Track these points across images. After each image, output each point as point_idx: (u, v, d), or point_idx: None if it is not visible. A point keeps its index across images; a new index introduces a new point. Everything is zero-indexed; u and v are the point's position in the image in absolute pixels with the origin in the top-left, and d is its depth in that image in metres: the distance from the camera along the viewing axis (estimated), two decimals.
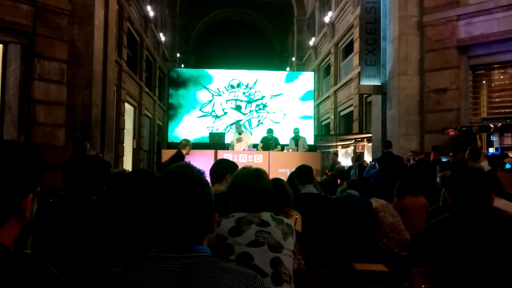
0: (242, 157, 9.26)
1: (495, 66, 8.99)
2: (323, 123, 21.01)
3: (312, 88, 16.79)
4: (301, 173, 3.68)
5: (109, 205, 2.06)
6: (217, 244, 1.71)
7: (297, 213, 2.90)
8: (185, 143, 7.51)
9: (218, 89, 15.90)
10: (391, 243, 4.05)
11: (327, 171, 11.22)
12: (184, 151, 7.34)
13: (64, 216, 1.98)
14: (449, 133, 8.47)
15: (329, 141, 15.69)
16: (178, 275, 1.02)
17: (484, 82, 9.24)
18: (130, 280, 1.02)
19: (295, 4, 24.38)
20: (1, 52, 8.19)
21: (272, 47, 32.81)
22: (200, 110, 15.81)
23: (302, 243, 2.32)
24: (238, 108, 15.94)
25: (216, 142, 10.43)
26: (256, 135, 14.26)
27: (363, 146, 14.24)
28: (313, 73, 18.67)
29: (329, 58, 19.20)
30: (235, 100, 15.95)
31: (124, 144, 13.96)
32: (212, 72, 16.68)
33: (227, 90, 15.96)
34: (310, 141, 14.32)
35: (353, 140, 13.81)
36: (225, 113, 15.89)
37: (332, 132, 18.16)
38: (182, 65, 26.16)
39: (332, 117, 18.55)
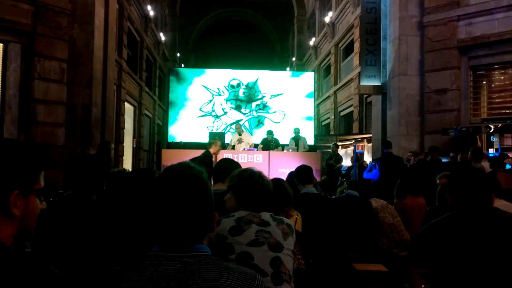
0: (242, 157, 9.26)
1: (496, 66, 9.00)
2: (323, 123, 21.01)
3: (312, 88, 16.80)
4: (301, 173, 3.68)
5: (109, 204, 2.06)
6: (217, 244, 1.71)
7: (297, 213, 2.90)
8: (213, 142, 7.01)
9: (218, 88, 15.90)
10: (391, 243, 4.05)
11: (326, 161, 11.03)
12: (212, 151, 6.86)
13: (64, 215, 1.98)
14: (449, 134, 8.48)
15: (329, 141, 15.68)
16: (178, 275, 1.01)
17: (484, 82, 9.24)
18: (130, 279, 1.02)
19: (296, 4, 24.38)
20: (1, 51, 8.19)
21: (272, 47, 32.80)
22: (200, 109, 15.82)
23: (302, 243, 2.32)
24: (238, 108, 15.94)
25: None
26: (256, 135, 14.27)
27: (363, 147, 14.24)
28: (313, 73, 18.68)
29: (329, 58, 19.19)
30: (235, 100, 15.95)
31: (124, 144, 13.96)
32: (212, 71, 16.68)
33: (227, 90, 15.96)
34: (310, 141, 14.32)
35: (353, 141, 13.81)
36: (225, 113, 15.89)
37: (332, 132, 18.15)
38: (182, 65, 26.16)
39: (332, 117, 18.55)
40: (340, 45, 17.89)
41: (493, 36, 8.47)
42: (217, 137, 10.74)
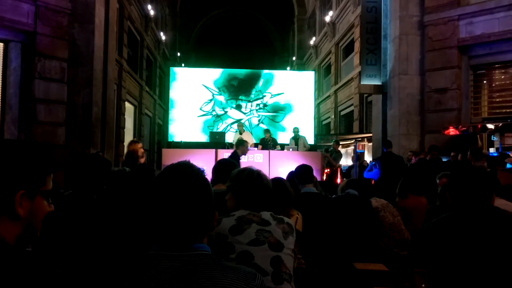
0: (242, 156, 9.24)
1: (496, 66, 8.99)
2: (324, 122, 21.02)
3: (313, 88, 16.79)
4: (301, 173, 3.68)
5: (109, 203, 2.06)
6: (218, 243, 1.71)
7: (298, 213, 2.91)
8: (241, 143, 7.08)
9: (218, 88, 15.91)
10: (391, 242, 4.05)
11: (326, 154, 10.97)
12: (240, 152, 6.95)
13: (64, 214, 1.98)
14: (449, 133, 8.47)
15: (329, 140, 15.69)
16: (179, 274, 1.02)
17: (485, 82, 9.24)
18: (130, 279, 1.02)
19: (296, 4, 24.37)
20: (2, 51, 8.20)
21: (272, 46, 32.80)
22: (200, 109, 15.82)
23: (303, 243, 2.32)
24: (238, 107, 15.94)
25: (216, 141, 10.43)
26: (256, 135, 14.27)
27: (363, 146, 14.24)
28: (313, 72, 18.67)
29: (330, 58, 19.19)
30: (235, 99, 15.96)
31: (125, 143, 13.96)
32: (212, 71, 16.68)
33: (228, 90, 15.96)
34: (310, 140, 14.32)
35: (354, 140, 13.81)
36: (225, 112, 15.89)
37: (332, 132, 18.15)
38: (183, 64, 26.16)
39: (333, 116, 18.55)
40: (340, 44, 17.88)
41: (494, 36, 8.46)
42: (217, 137, 10.75)
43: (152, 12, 17.57)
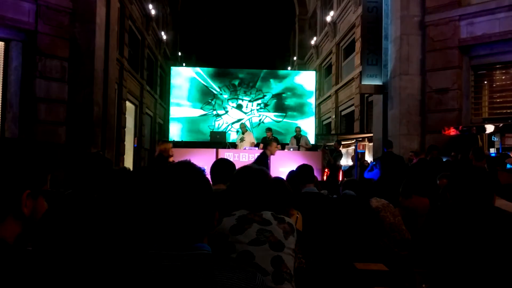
0: (243, 156, 9.26)
1: (497, 66, 8.98)
2: (324, 122, 21.01)
3: (314, 88, 16.79)
4: (302, 172, 3.68)
5: (110, 203, 2.06)
6: (218, 242, 1.71)
7: (298, 212, 2.91)
8: (269, 142, 7.08)
9: (219, 88, 15.91)
10: (391, 242, 4.05)
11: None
12: (268, 152, 6.97)
13: (65, 213, 1.99)
14: (450, 133, 8.47)
15: (330, 140, 15.70)
16: (179, 273, 1.02)
17: (485, 82, 9.23)
18: (131, 278, 1.02)
19: (297, 3, 24.38)
20: (3, 50, 8.20)
21: (273, 46, 32.77)
22: (201, 108, 15.82)
23: (303, 242, 2.32)
24: (239, 107, 15.94)
25: (217, 140, 10.44)
26: (257, 134, 14.26)
27: (364, 146, 14.23)
28: (314, 72, 18.67)
29: (331, 58, 19.18)
30: (236, 99, 15.95)
31: (125, 143, 13.98)
32: (213, 71, 16.68)
33: (229, 89, 15.96)
34: (311, 140, 14.32)
35: (354, 140, 13.81)
36: (226, 112, 15.89)
37: (333, 132, 18.15)
38: (184, 64, 26.16)
39: (333, 116, 18.55)
40: (341, 44, 17.88)
41: (495, 36, 8.45)
42: (218, 136, 10.76)
43: (153, 12, 17.57)
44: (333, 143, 11.55)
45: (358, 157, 11.28)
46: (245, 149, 9.81)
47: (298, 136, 10.42)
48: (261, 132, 14.21)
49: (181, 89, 15.86)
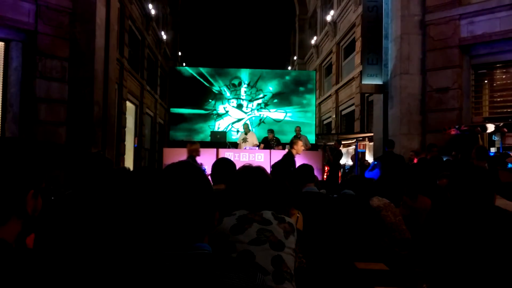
0: (244, 156, 9.26)
1: (498, 65, 8.97)
2: (325, 122, 21.01)
3: (314, 87, 16.79)
4: (302, 172, 3.68)
5: (110, 203, 2.06)
6: (219, 242, 1.71)
7: (298, 212, 2.91)
8: (295, 141, 7.09)
9: (219, 87, 15.90)
10: (391, 242, 4.05)
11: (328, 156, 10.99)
12: (294, 151, 6.95)
13: (65, 213, 1.98)
14: (450, 133, 8.46)
15: (330, 140, 15.70)
16: (180, 273, 1.02)
17: (486, 81, 9.22)
18: (131, 278, 1.02)
19: (297, 3, 24.37)
20: (3, 50, 8.20)
21: (274, 45, 32.78)
22: (201, 108, 15.81)
23: (303, 242, 2.32)
24: (239, 107, 15.94)
25: (217, 140, 10.44)
26: (257, 134, 14.26)
27: (364, 145, 14.23)
28: (314, 72, 18.67)
29: (331, 57, 19.18)
30: (237, 98, 15.95)
31: (126, 143, 13.98)
32: (213, 70, 16.68)
33: (229, 89, 15.96)
34: (312, 140, 14.32)
35: (355, 139, 13.81)
36: (227, 111, 15.89)
37: (333, 131, 18.15)
38: (184, 64, 26.16)
39: (334, 116, 18.55)
40: (341, 44, 17.87)
41: (495, 35, 8.44)
42: (218, 136, 10.76)
43: (153, 12, 17.57)
44: (333, 143, 11.55)
45: (358, 156, 11.28)
46: (245, 149, 9.81)
47: (298, 136, 10.42)
48: (261, 131, 14.21)
49: (181, 88, 15.85)
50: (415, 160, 8.15)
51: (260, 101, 15.99)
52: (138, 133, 16.80)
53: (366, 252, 3.82)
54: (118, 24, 11.61)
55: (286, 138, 11.90)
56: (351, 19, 15.78)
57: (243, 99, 15.96)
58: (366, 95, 13.99)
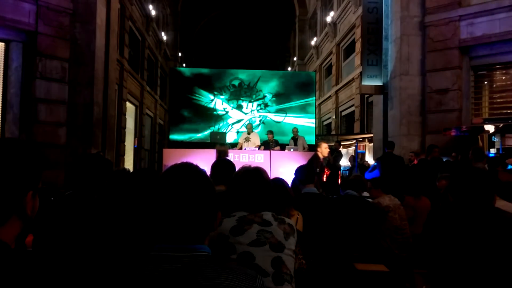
0: (243, 156, 9.25)
1: (497, 67, 8.97)
2: (325, 123, 21.01)
3: (314, 88, 16.79)
4: (302, 173, 3.68)
5: (110, 204, 2.06)
6: (219, 243, 1.71)
7: (298, 213, 2.90)
8: (319, 144, 7.40)
9: (219, 88, 15.90)
10: (393, 243, 4.05)
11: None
12: (320, 154, 7.22)
13: (65, 214, 1.98)
14: (450, 134, 8.46)
15: (330, 141, 15.70)
16: (179, 275, 1.02)
17: (486, 82, 9.22)
18: (131, 280, 1.02)
19: (297, 4, 24.38)
20: (3, 51, 8.21)
21: (273, 46, 32.79)
22: (201, 109, 15.81)
23: (303, 243, 2.32)
24: (239, 107, 15.94)
25: (217, 141, 10.42)
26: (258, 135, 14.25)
27: (364, 146, 14.23)
28: (314, 73, 18.67)
29: (331, 58, 19.19)
30: (237, 99, 15.95)
31: (126, 143, 13.99)
32: (213, 71, 16.68)
33: (229, 90, 15.96)
34: (311, 141, 14.32)
35: (355, 140, 13.81)
36: (226, 112, 15.89)
37: (333, 132, 18.15)
38: (184, 64, 26.17)
39: (334, 117, 18.55)
40: (341, 45, 17.88)
41: (495, 36, 8.45)
42: (218, 136, 10.75)
43: (153, 12, 17.58)
44: (333, 144, 11.54)
45: (358, 157, 11.27)
46: (245, 149, 9.81)
47: (296, 137, 10.42)
48: (261, 132, 14.20)
49: (181, 89, 15.84)
50: (415, 161, 8.15)
51: (260, 101, 16.00)
52: (138, 134, 16.80)
53: (366, 253, 3.82)
54: (118, 24, 11.61)
55: (286, 139, 11.88)
56: (351, 20, 15.79)
57: (243, 100, 15.96)
58: (366, 96, 14.00)
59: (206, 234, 1.13)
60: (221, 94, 15.87)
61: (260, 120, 15.92)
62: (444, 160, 7.57)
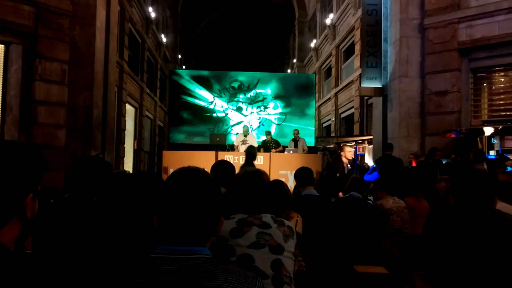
0: (243, 158, 9.24)
1: (496, 69, 8.99)
2: (324, 125, 21.02)
3: (313, 90, 16.80)
4: (302, 175, 3.68)
5: (110, 206, 2.06)
6: (218, 246, 1.70)
7: (298, 215, 2.91)
8: (342, 147, 7.79)
9: (219, 90, 15.92)
10: (393, 246, 4.05)
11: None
12: (344, 159, 7.66)
13: (64, 216, 1.98)
14: (450, 136, 8.47)
15: (329, 143, 15.69)
16: (179, 277, 1.02)
17: (485, 84, 9.24)
18: (131, 282, 1.02)
19: (297, 6, 24.42)
20: (3, 53, 8.21)
21: (273, 48, 32.82)
22: (201, 111, 15.82)
23: (303, 245, 2.31)
24: (239, 109, 15.95)
25: (216, 143, 10.42)
26: (257, 137, 14.26)
27: (363, 148, 14.24)
28: (314, 75, 18.69)
29: (330, 60, 19.21)
30: (236, 101, 15.96)
31: (125, 145, 13.97)
32: (213, 73, 16.69)
33: (228, 92, 15.97)
34: (311, 142, 14.32)
35: (354, 142, 13.81)
36: (226, 114, 15.90)
37: (333, 134, 18.16)
38: (183, 67, 26.19)
39: (333, 119, 18.56)
40: (341, 47, 17.91)
41: (494, 39, 8.47)
42: (217, 139, 10.74)
43: (153, 15, 17.60)
44: (332, 146, 11.54)
45: (358, 159, 11.26)
46: (244, 151, 9.78)
47: (296, 139, 10.42)
48: (261, 133, 14.20)
49: (181, 91, 15.85)
50: (414, 163, 8.15)
51: (259, 103, 16.01)
52: (138, 136, 16.79)
53: (366, 255, 3.82)
54: (118, 27, 11.63)
55: (285, 140, 11.88)
56: (351, 22, 15.82)
57: (242, 102, 15.98)
58: (366, 98, 14.00)
59: (208, 238, 1.13)
60: (221, 96, 15.88)
61: (259, 122, 15.92)
62: (443, 162, 7.58)
